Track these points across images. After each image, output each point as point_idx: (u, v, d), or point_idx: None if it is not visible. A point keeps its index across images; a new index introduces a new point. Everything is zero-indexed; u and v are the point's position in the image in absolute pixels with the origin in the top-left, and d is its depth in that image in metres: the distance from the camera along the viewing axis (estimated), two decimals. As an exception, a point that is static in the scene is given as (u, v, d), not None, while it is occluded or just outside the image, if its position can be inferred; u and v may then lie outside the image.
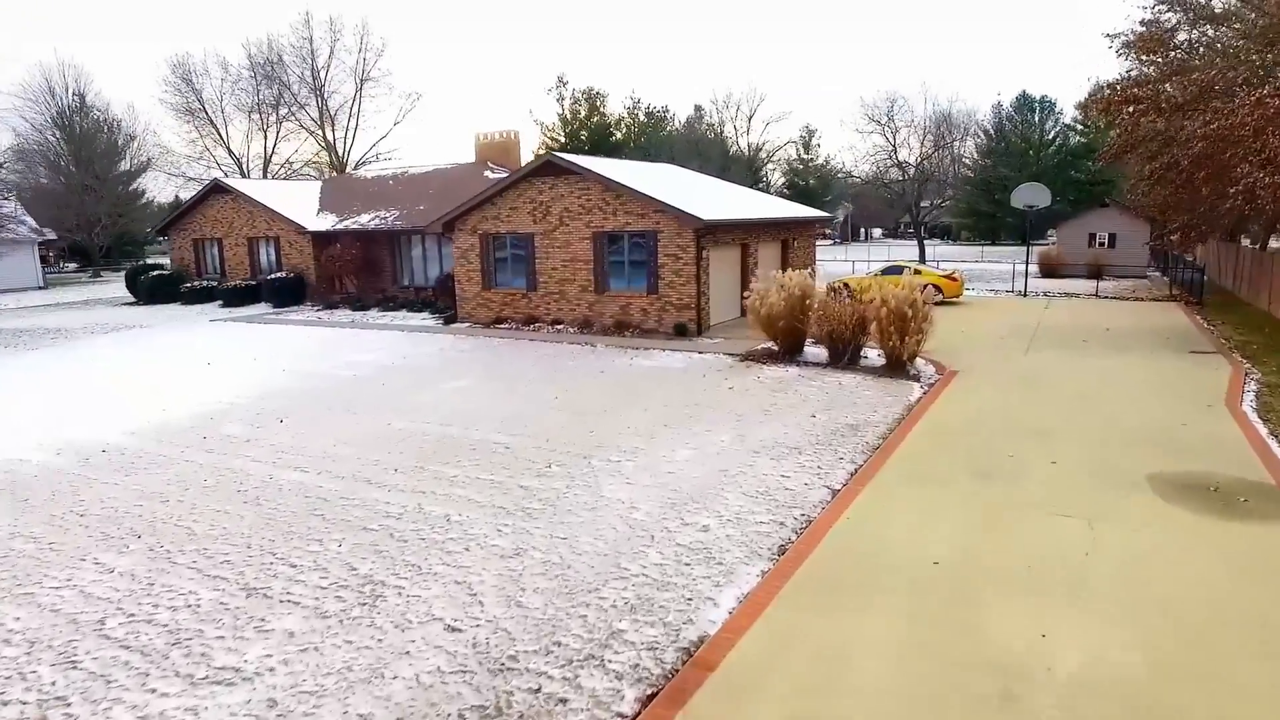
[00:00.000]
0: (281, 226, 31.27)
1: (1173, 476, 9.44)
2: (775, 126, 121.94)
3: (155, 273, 33.87)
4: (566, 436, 11.88)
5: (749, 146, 64.87)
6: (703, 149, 54.83)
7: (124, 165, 64.01)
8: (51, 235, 53.09)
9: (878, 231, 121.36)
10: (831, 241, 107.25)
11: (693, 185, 26.71)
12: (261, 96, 55.70)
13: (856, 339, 16.36)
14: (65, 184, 55.88)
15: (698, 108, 75.54)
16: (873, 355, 16.72)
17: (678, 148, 57.64)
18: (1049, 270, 37.80)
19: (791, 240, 26.88)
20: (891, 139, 41.59)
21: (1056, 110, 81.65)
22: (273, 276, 30.74)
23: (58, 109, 60.55)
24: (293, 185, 36.82)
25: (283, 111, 56.39)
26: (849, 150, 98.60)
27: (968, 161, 71.08)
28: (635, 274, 21.67)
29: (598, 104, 75.75)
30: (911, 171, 42.14)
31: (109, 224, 54.87)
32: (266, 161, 59.91)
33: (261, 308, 30.55)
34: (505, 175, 22.97)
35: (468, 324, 24.05)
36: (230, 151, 59.87)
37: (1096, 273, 35.23)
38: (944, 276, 26.23)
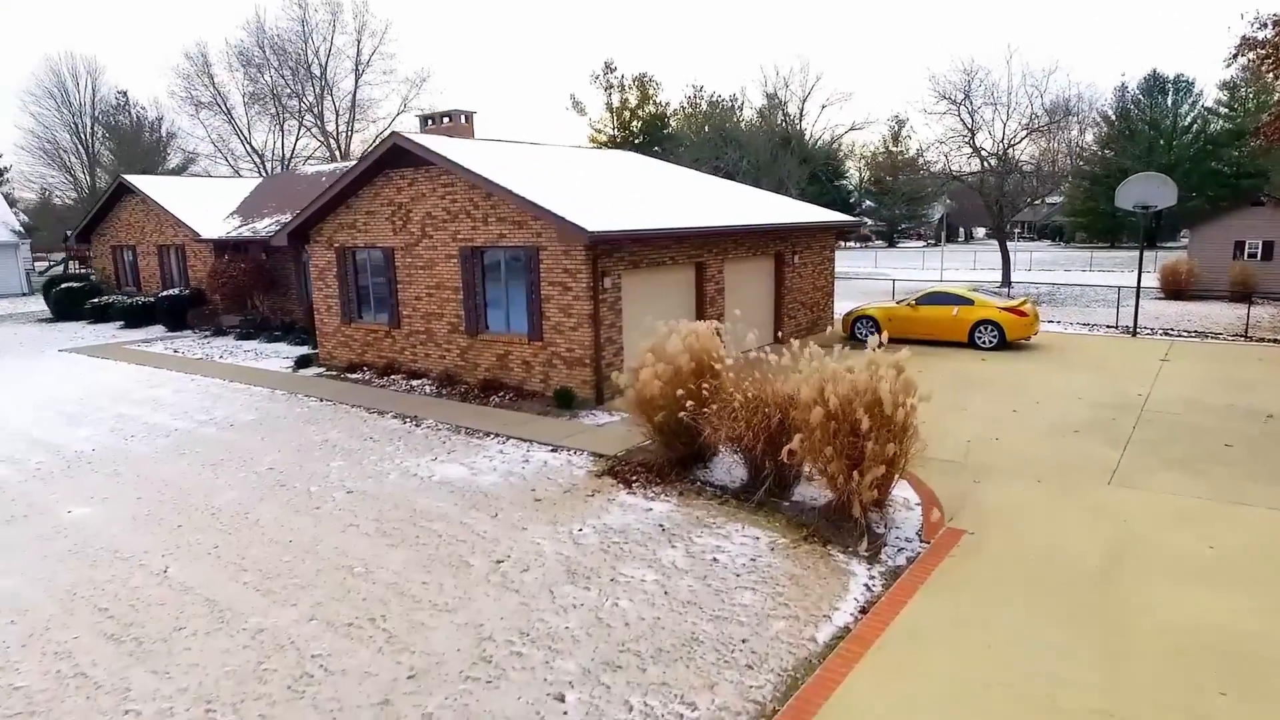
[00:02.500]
0: (186, 233, 25.89)
1: None
2: (837, 113, 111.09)
3: (65, 285, 29.19)
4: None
5: (806, 134, 56.23)
6: (745, 141, 46.84)
7: (170, 163, 61.77)
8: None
9: (981, 231, 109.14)
10: (924, 244, 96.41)
11: (634, 178, 19.40)
12: (269, 85, 51.26)
13: (777, 456, 8.94)
14: (74, 184, 53.58)
15: (769, 96, 67.10)
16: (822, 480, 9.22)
17: (752, 140, 49.51)
18: (1174, 290, 28.48)
19: (789, 254, 19.31)
20: (969, 121, 32.89)
21: (1194, 91, 69.29)
22: (165, 294, 25.37)
23: (93, 108, 58.80)
24: (217, 184, 31.53)
25: (290, 104, 51.84)
26: (911, 138, 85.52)
27: (1083, 151, 60.06)
28: (516, 310, 14.76)
29: (650, 91, 68.64)
30: (993, 161, 33.30)
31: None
32: (286, 158, 55.90)
33: (156, 330, 25.29)
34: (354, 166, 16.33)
35: (320, 369, 17.71)
36: (250, 146, 56.06)
37: (1245, 296, 25.88)
38: (1007, 309, 18.08)
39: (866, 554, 7.75)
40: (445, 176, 15.00)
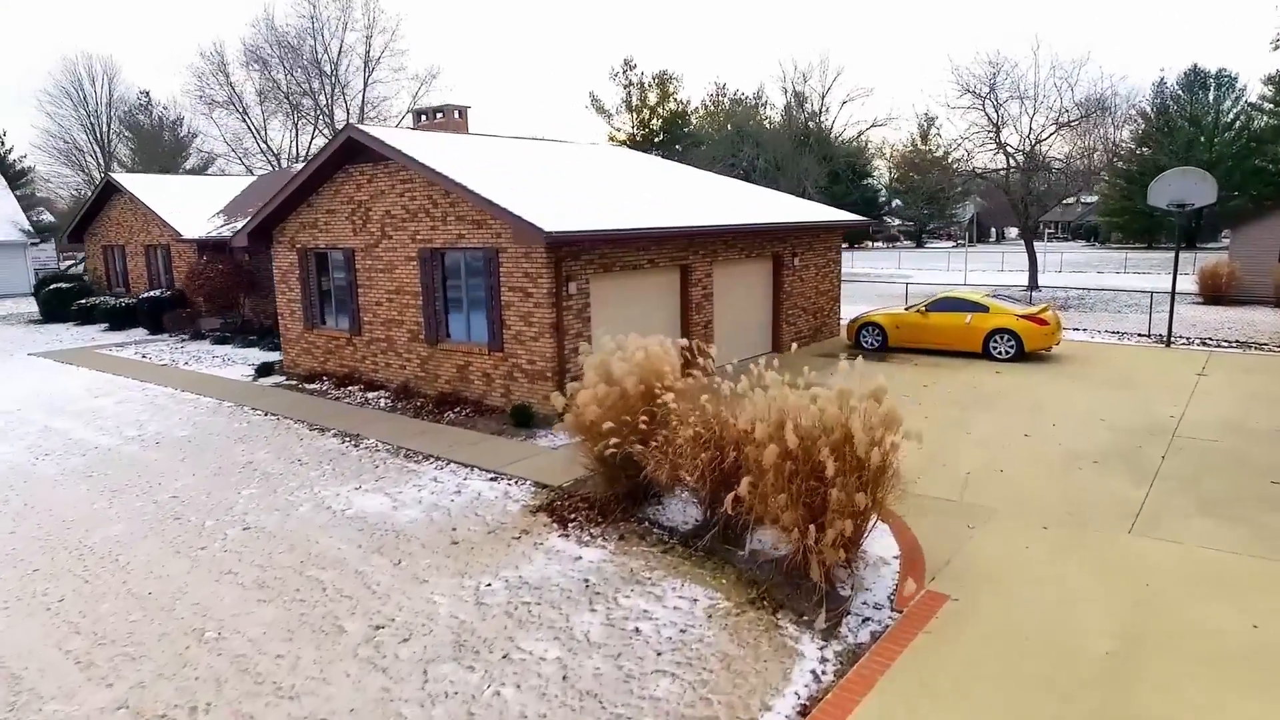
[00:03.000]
0: (170, 233, 25.04)
1: None
2: (859, 109, 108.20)
3: (54, 285, 28.55)
4: None
5: (827, 131, 54.23)
6: (765, 140, 45.29)
7: (189, 163, 61.66)
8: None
9: (1013, 232, 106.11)
10: (953, 244, 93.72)
11: (621, 175, 18.06)
12: (281, 83, 50.65)
13: (722, 497, 7.53)
14: (90, 183, 53.42)
15: (788, 91, 65.12)
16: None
17: (771, 138, 47.69)
18: (1214, 294, 26.47)
19: (789, 256, 17.85)
20: (994, 116, 31.05)
21: (1238, 87, 66.23)
22: (146, 296, 24.56)
23: (110, 107, 58.84)
24: (212, 182, 30.77)
25: (304, 103, 51.17)
26: (939, 135, 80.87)
27: (1119, 148, 57.41)
28: (477, 317, 13.51)
29: (671, 89, 67.02)
30: (1019, 158, 31.44)
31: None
32: (300, 156, 55.36)
33: (138, 333, 24.49)
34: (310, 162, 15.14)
35: (280, 378, 16.61)
36: (265, 145, 55.53)
37: (1292, 302, 23.92)
38: (1025, 317, 16.45)
39: (824, 626, 6.35)
40: (404, 173, 13.79)
